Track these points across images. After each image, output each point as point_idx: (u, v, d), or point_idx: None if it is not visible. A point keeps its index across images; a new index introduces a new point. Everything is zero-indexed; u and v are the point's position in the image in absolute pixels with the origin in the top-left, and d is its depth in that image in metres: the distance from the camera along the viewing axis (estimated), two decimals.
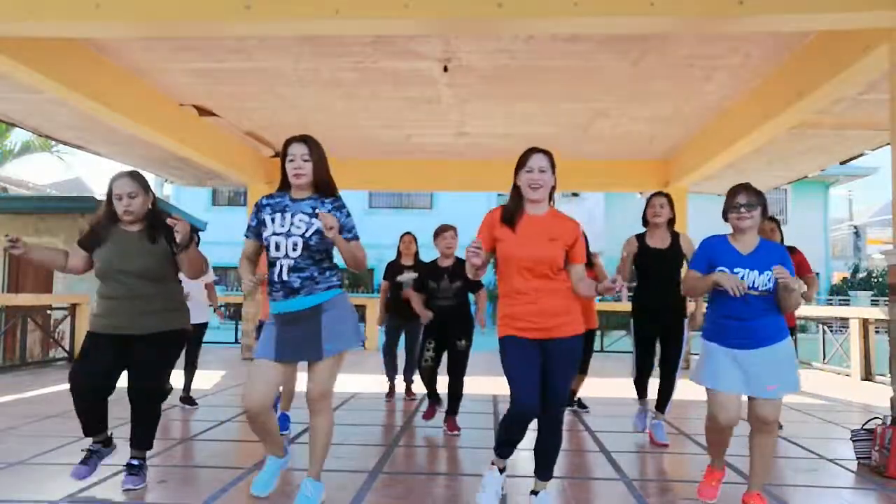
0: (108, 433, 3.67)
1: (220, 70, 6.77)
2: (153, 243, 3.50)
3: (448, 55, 6.27)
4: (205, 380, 5.89)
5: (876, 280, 24.59)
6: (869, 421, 4.39)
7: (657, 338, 4.83)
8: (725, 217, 3.32)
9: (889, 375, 4.79)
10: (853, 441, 4.35)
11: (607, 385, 6.41)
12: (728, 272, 3.18)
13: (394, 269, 6.40)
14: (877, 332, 9.19)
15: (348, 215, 3.22)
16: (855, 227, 30.90)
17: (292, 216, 3.14)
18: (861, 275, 25.72)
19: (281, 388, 4.16)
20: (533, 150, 3.14)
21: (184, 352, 5.78)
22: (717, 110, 7.83)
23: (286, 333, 3.12)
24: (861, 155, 9.00)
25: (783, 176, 10.66)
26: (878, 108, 6.66)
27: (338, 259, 3.27)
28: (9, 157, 18.06)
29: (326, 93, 7.46)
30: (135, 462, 3.55)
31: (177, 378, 5.42)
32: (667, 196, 4.82)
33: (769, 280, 3.15)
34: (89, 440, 3.64)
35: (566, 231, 3.12)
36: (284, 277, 3.10)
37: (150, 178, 20.45)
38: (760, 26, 4.96)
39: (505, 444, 3.21)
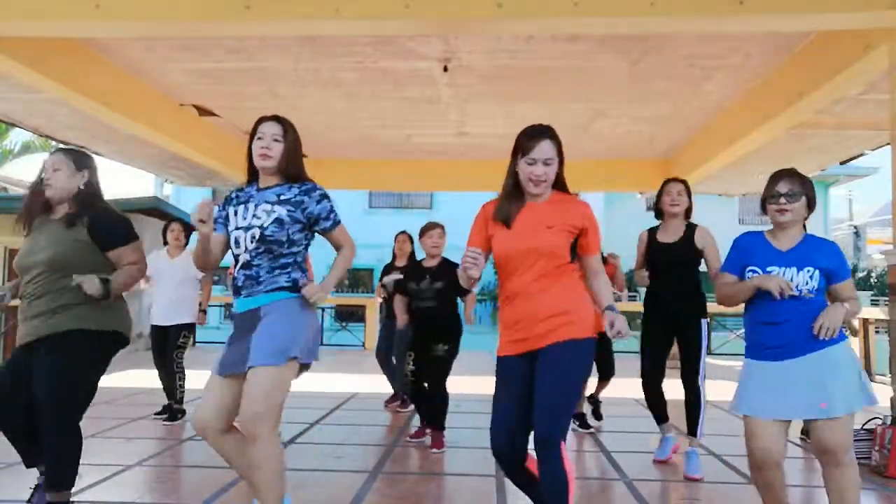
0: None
1: (220, 70, 6.76)
2: (68, 229, 2.93)
3: (448, 55, 6.26)
4: (201, 381, 5.89)
5: (876, 280, 24.59)
6: (869, 421, 4.40)
7: (667, 343, 4.21)
8: (764, 208, 2.81)
9: (889, 375, 4.79)
10: (853, 441, 4.34)
11: (607, 385, 6.40)
12: (760, 272, 2.70)
13: (387, 271, 6.38)
14: (877, 332, 9.19)
15: (322, 198, 2.74)
16: (855, 227, 30.88)
17: (255, 206, 2.71)
18: (860, 274, 25.70)
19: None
20: (539, 135, 2.55)
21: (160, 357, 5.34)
22: (717, 110, 7.83)
23: (230, 341, 2.70)
24: (861, 155, 8.99)
25: None
26: (878, 108, 6.65)
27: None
28: (9, 157, 18.05)
29: (326, 93, 7.45)
30: None
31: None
32: (684, 182, 4.24)
33: (812, 278, 2.64)
34: (87, 440, 3.35)
35: (570, 215, 2.56)
36: (235, 273, 2.71)
37: (150, 178, 20.31)
38: (760, 26, 4.96)
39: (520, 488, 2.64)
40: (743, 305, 2.83)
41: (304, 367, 2.72)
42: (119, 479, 3.70)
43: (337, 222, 2.78)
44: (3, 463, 3.98)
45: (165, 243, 5.74)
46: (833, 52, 5.35)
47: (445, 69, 6.55)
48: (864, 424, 4.40)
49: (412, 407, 5.92)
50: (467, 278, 2.54)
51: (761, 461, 2.63)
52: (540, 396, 2.41)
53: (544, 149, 2.53)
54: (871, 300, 22.59)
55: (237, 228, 2.72)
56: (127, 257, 2.98)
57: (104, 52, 6.38)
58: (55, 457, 2.80)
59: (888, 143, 5.08)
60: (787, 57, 6.11)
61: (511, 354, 2.56)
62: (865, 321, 9.07)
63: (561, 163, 2.59)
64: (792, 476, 3.36)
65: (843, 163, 9.60)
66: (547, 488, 2.38)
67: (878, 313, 9.44)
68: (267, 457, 2.54)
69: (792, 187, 2.71)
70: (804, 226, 2.81)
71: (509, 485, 3.47)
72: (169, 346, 5.34)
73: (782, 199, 2.70)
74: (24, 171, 23.93)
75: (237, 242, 2.71)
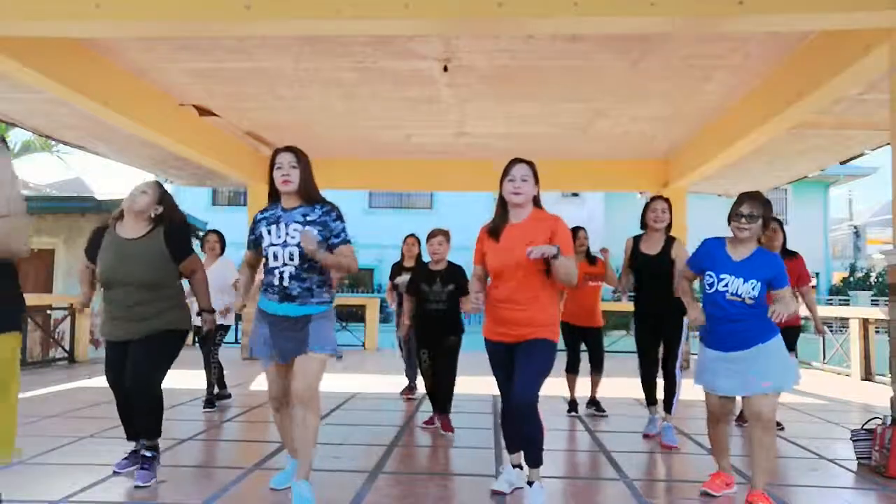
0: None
1: (220, 70, 6.77)
2: (155, 247, 3.69)
3: (448, 55, 6.27)
4: (204, 380, 5.89)
5: (876, 280, 24.59)
6: (869, 421, 4.40)
7: (655, 339, 4.88)
8: (729, 221, 3.39)
9: (889, 375, 4.79)
10: (853, 441, 4.35)
11: (607, 385, 6.40)
12: (714, 277, 3.37)
13: (395, 270, 6.49)
14: (877, 332, 9.19)
15: (337, 218, 3.31)
16: (855, 227, 30.91)
17: (286, 226, 3.26)
18: (859, 274, 25.71)
19: None
20: (515, 161, 3.36)
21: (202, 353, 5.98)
22: (717, 110, 7.83)
23: (278, 336, 3.29)
24: (861, 155, 9.00)
25: (783, 176, 10.66)
26: (878, 108, 6.66)
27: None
28: None
29: (326, 93, 7.46)
30: (146, 454, 3.66)
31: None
32: (667, 200, 4.88)
33: (753, 289, 3.28)
34: (88, 440, 3.70)
35: (542, 229, 3.28)
36: (285, 283, 3.25)
37: (150, 178, 20.44)
38: (760, 26, 4.96)
39: (505, 439, 3.59)
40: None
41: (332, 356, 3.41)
42: (119, 479, 3.70)
43: (346, 241, 3.31)
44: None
45: (204, 252, 6.09)
46: (833, 52, 5.35)
47: (445, 69, 6.55)
48: (864, 424, 4.39)
49: (419, 393, 6.59)
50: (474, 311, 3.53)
51: (718, 416, 3.51)
52: (519, 374, 3.28)
53: (520, 169, 3.33)
54: (872, 300, 22.59)
55: (273, 245, 3.27)
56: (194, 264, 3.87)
57: (104, 52, 6.38)
58: (150, 412, 3.67)
59: (888, 143, 5.08)
60: (787, 57, 6.11)
61: (499, 341, 3.41)
62: (865, 321, 9.08)
63: (536, 183, 3.35)
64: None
65: (843, 163, 9.61)
66: (530, 434, 3.31)
67: (878, 313, 9.44)
68: (318, 422, 3.31)
69: (752, 210, 3.31)
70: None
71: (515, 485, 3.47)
72: (207, 345, 5.93)
73: (743, 220, 3.32)
74: (24, 171, 23.93)
75: (275, 256, 3.26)
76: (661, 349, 4.92)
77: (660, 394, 4.96)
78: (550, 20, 4.70)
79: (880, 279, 24.21)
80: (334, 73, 6.81)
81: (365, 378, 8.13)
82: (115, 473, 3.75)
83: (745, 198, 3.36)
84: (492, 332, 3.44)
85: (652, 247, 4.79)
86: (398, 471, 4.04)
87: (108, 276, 3.64)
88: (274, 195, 3.36)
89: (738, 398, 3.49)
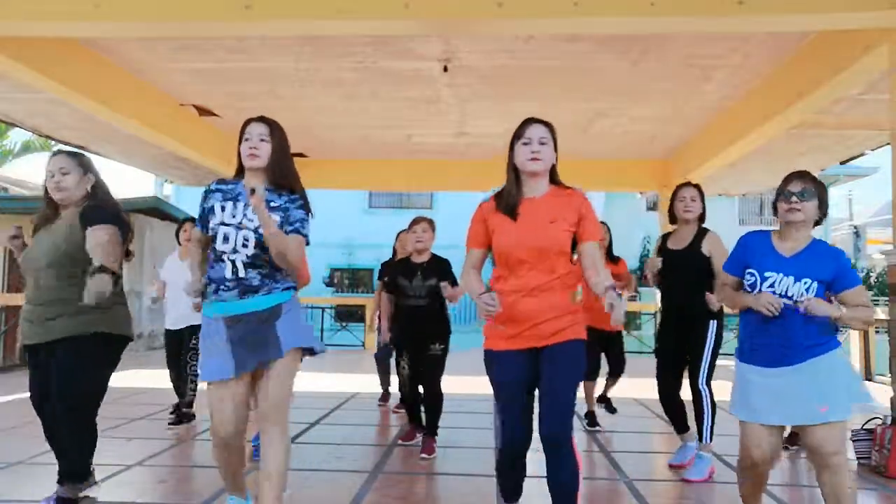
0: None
1: (220, 70, 6.76)
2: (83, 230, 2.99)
3: (448, 55, 6.26)
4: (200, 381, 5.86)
5: (876, 280, 24.59)
6: (869, 421, 4.40)
7: (677, 346, 4.11)
8: (775, 208, 2.79)
9: (889, 375, 4.79)
10: (853, 441, 4.35)
11: (616, 383, 6.40)
12: (757, 276, 2.70)
13: (385, 268, 5.87)
14: (877, 332, 9.19)
15: (301, 207, 2.78)
16: (855, 227, 30.88)
17: (245, 206, 2.73)
18: (860, 274, 25.71)
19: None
20: (530, 121, 2.71)
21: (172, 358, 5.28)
22: (717, 110, 7.82)
23: (239, 339, 2.67)
24: (861, 155, 8.99)
25: (783, 176, 10.64)
26: (878, 108, 6.66)
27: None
28: (9, 157, 18.05)
29: (327, 93, 7.45)
30: (65, 496, 2.95)
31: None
32: (697, 187, 4.18)
33: (808, 290, 2.61)
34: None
35: (568, 206, 2.62)
36: (240, 274, 2.70)
37: (150, 178, 20.27)
38: (760, 26, 4.96)
39: (503, 485, 2.72)
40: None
41: (311, 352, 2.84)
42: (119, 479, 3.70)
43: (301, 232, 2.75)
44: (3, 463, 3.98)
45: (179, 244, 5.56)
46: (833, 52, 5.35)
47: (445, 69, 6.55)
48: (864, 424, 4.40)
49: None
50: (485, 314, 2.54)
51: (759, 462, 2.67)
52: (552, 396, 2.50)
53: (537, 129, 2.66)
54: (872, 300, 22.59)
55: (224, 224, 2.74)
56: (99, 234, 2.95)
57: (104, 52, 6.38)
58: (69, 450, 2.94)
59: (888, 143, 5.08)
60: (787, 57, 6.11)
61: (511, 349, 2.59)
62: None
63: (555, 149, 2.68)
64: (775, 476, 3.35)
65: (843, 163, 9.61)
66: (560, 482, 2.48)
67: (878, 313, 9.44)
68: (289, 442, 2.78)
69: (805, 187, 2.69)
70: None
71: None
72: (183, 349, 5.24)
73: (794, 198, 2.68)
74: (24, 171, 23.91)
75: (225, 238, 2.72)
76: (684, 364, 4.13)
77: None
78: (550, 20, 4.70)
79: (880, 279, 24.21)
80: (334, 73, 6.81)
81: (365, 378, 8.12)
82: None
83: (794, 175, 2.75)
84: (504, 338, 2.61)
85: (680, 241, 4.12)
86: (398, 471, 4.04)
87: (24, 263, 3.08)
88: (241, 172, 2.86)
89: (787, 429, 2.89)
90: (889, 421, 4.22)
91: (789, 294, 2.63)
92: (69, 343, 2.94)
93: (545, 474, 2.54)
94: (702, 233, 4.06)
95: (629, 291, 5.21)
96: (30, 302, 3.02)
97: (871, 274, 25.48)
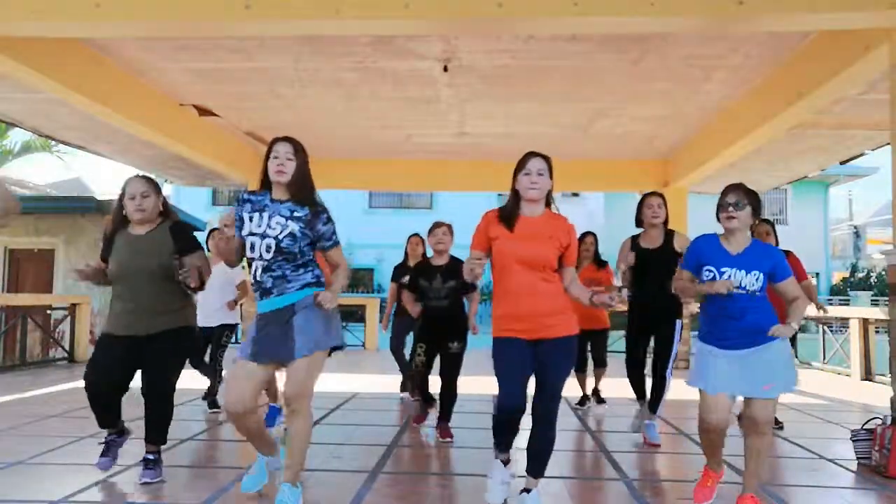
0: (121, 424, 3.80)
1: (220, 70, 6.77)
2: (162, 243, 3.64)
3: (448, 55, 6.27)
4: (204, 379, 5.89)
5: (876, 280, 24.59)
6: (869, 421, 4.39)
7: (647, 334, 4.83)
8: (718, 216, 3.33)
9: (889, 375, 4.79)
10: (853, 441, 4.35)
11: (607, 385, 6.41)
12: (715, 272, 3.21)
13: (400, 271, 6.35)
14: (877, 332, 9.19)
15: (327, 221, 3.19)
16: (855, 227, 30.89)
17: (269, 217, 3.13)
18: (859, 274, 25.70)
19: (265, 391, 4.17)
20: (531, 154, 3.23)
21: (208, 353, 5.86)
22: (717, 110, 7.83)
23: (262, 333, 3.12)
24: (861, 155, 9.00)
25: (783, 176, 10.66)
26: (878, 108, 6.66)
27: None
28: (9, 157, 18.05)
29: (326, 93, 7.46)
30: (150, 457, 3.64)
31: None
32: (661, 196, 4.85)
33: (757, 280, 3.16)
34: (88, 440, 3.69)
35: (561, 231, 3.20)
36: (258, 278, 3.13)
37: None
38: (760, 26, 4.96)
39: (498, 440, 3.32)
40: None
41: (338, 347, 3.24)
42: (119, 479, 3.70)
43: (336, 243, 3.24)
44: (3, 463, 3.98)
45: (208, 251, 5.76)
46: (833, 52, 5.35)
47: (445, 69, 6.55)
48: (864, 424, 4.39)
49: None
50: (472, 276, 3.11)
51: (714, 426, 3.25)
52: (547, 381, 3.14)
53: (536, 163, 3.19)
54: (872, 300, 22.59)
55: (252, 234, 3.13)
56: (195, 261, 3.66)
57: (104, 52, 6.38)
58: (161, 420, 3.65)
59: (888, 143, 5.08)
60: (787, 57, 6.11)
61: (521, 338, 3.14)
62: (865, 321, 9.08)
63: (550, 177, 3.21)
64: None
65: (843, 163, 9.61)
66: (541, 446, 3.22)
67: (878, 313, 9.44)
68: (308, 426, 3.15)
69: (738, 198, 3.22)
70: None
71: (511, 486, 3.47)
72: (213, 345, 5.80)
73: (730, 208, 3.21)
74: (24, 171, 23.93)
75: (252, 247, 3.12)
76: (649, 350, 4.86)
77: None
78: (550, 20, 4.70)
79: (880, 279, 24.20)
80: (334, 73, 6.81)
81: (365, 378, 8.13)
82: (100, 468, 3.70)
83: (729, 188, 3.28)
84: (504, 328, 3.19)
85: (651, 241, 4.75)
86: (398, 471, 4.04)
87: (121, 269, 3.60)
88: (265, 185, 3.23)
89: (737, 399, 3.37)
90: (889, 421, 4.22)
91: (743, 284, 3.17)
92: (170, 334, 3.61)
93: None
94: (670, 233, 4.76)
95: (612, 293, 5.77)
96: (130, 301, 3.59)
97: (872, 274, 25.47)
